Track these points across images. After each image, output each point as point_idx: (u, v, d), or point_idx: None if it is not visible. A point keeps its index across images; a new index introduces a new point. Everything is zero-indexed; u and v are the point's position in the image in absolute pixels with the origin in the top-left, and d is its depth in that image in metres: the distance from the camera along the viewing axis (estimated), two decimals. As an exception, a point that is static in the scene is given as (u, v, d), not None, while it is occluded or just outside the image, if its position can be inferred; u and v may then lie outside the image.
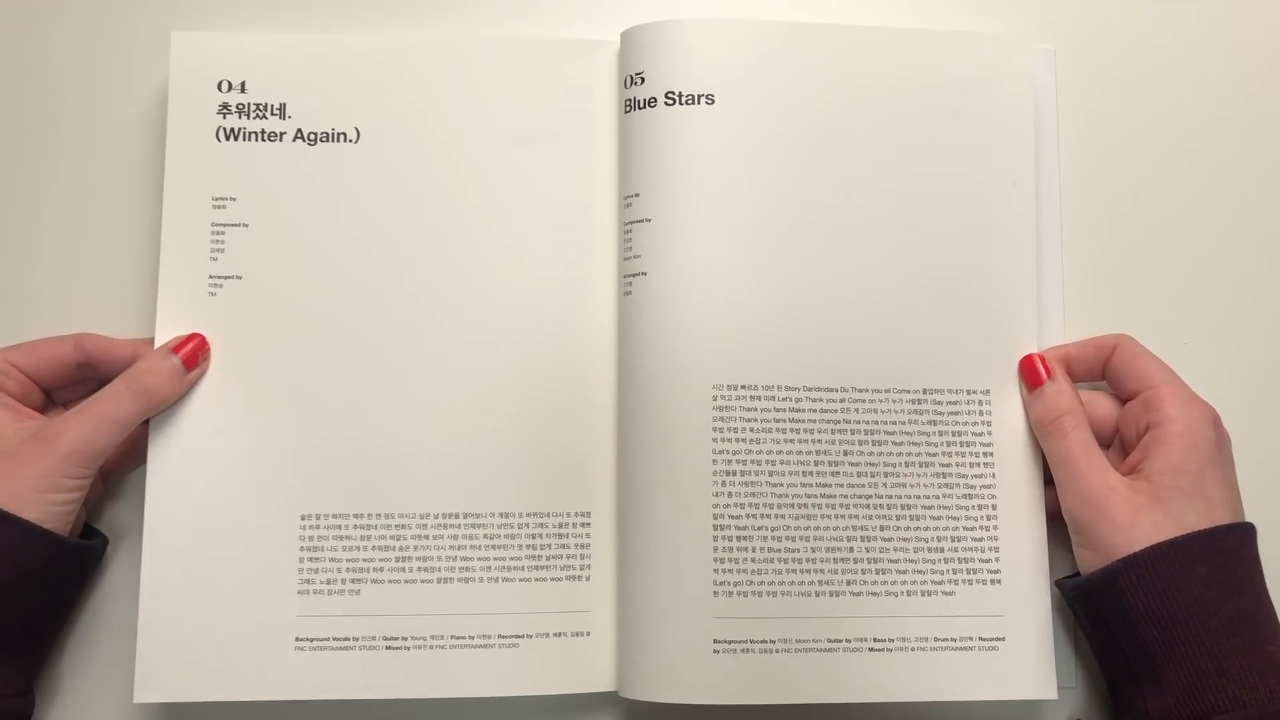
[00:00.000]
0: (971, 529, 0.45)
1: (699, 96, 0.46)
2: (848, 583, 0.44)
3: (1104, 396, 0.46)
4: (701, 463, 0.45)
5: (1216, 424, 0.43)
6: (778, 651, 0.44)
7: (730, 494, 0.44)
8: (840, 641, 0.44)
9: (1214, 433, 0.43)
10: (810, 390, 0.45)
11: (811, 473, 0.45)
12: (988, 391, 0.46)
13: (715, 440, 0.45)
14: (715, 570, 0.44)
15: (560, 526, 0.46)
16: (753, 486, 0.45)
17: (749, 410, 0.45)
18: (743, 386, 0.45)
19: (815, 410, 0.45)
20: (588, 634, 0.46)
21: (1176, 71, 0.51)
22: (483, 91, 0.48)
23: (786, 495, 0.45)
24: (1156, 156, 0.51)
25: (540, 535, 0.46)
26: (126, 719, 0.46)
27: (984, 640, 0.45)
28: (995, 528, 0.45)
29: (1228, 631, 0.40)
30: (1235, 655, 0.40)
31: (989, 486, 0.46)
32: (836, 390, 0.46)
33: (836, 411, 0.45)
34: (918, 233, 0.47)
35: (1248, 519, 0.43)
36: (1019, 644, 0.45)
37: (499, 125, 0.48)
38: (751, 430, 0.45)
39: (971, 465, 0.46)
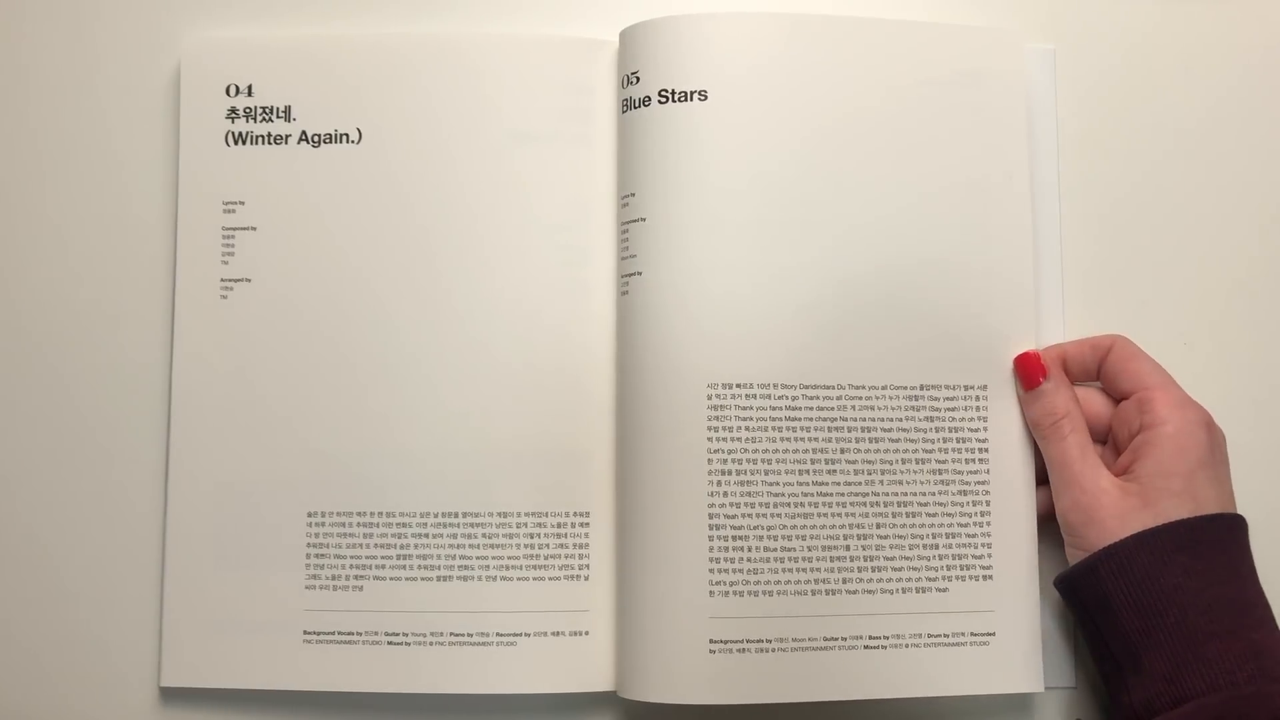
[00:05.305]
0: (965, 525, 0.45)
1: (692, 93, 0.45)
2: (844, 581, 0.45)
3: (1097, 394, 0.46)
4: (696, 462, 0.44)
5: (1209, 426, 0.43)
6: (774, 651, 0.44)
7: (725, 493, 0.44)
8: (836, 640, 0.44)
9: (1205, 435, 0.43)
10: (807, 388, 0.45)
11: (808, 471, 0.45)
12: (985, 387, 0.46)
13: (710, 439, 0.44)
14: (711, 570, 0.44)
15: (559, 526, 0.46)
16: (748, 485, 0.44)
17: (744, 409, 0.45)
18: (738, 385, 0.45)
19: (812, 408, 0.45)
20: (586, 633, 0.46)
21: (1176, 71, 0.50)
22: (484, 91, 0.47)
23: (783, 494, 0.44)
24: (1156, 156, 0.50)
25: (539, 535, 0.46)
26: (147, 703, 0.47)
27: (975, 636, 0.45)
28: (988, 524, 0.46)
29: (1206, 618, 0.40)
30: (1214, 641, 0.40)
31: (983, 483, 0.46)
32: (833, 387, 0.45)
33: (833, 409, 0.45)
34: (913, 226, 0.46)
35: (1247, 518, 0.43)
36: (1009, 639, 0.45)
37: (500, 125, 0.47)
38: (747, 429, 0.44)
39: (967, 461, 0.46)
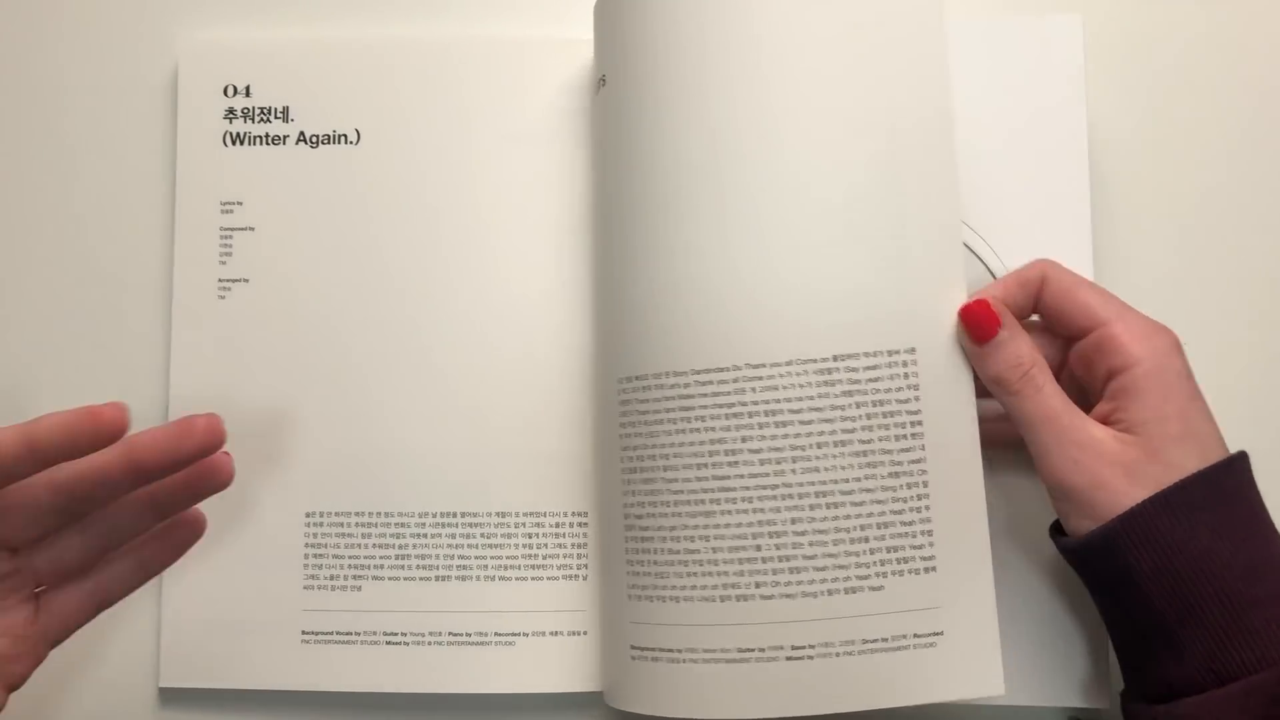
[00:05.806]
0: (900, 512, 0.39)
1: (601, 79, 0.44)
2: (756, 585, 0.40)
3: (1039, 335, 0.39)
4: (614, 461, 0.43)
5: (1179, 349, 0.38)
6: (684, 661, 0.40)
7: (635, 492, 0.42)
8: (751, 651, 0.39)
9: (1181, 361, 0.38)
10: (698, 373, 0.41)
11: (706, 465, 0.40)
12: (912, 350, 0.39)
13: (621, 436, 0.42)
14: (629, 573, 0.42)
15: (557, 526, 0.46)
16: (651, 484, 0.41)
17: (643, 402, 0.42)
18: (637, 378, 0.42)
19: (705, 395, 0.40)
20: (584, 633, 0.46)
21: (1203, 53, 0.48)
22: (480, 91, 0.48)
23: (682, 491, 0.41)
24: (1162, 154, 0.48)
25: (537, 535, 0.46)
26: (147, 704, 0.48)
27: (919, 637, 0.39)
28: (927, 509, 0.39)
29: (1245, 583, 0.35)
30: (1256, 609, 0.35)
31: (918, 461, 0.39)
32: (728, 369, 0.40)
33: (729, 394, 0.40)
34: (821, 176, 0.40)
35: None
36: (959, 637, 0.38)
37: (497, 125, 0.48)
38: (646, 423, 0.41)
39: (897, 439, 0.39)
